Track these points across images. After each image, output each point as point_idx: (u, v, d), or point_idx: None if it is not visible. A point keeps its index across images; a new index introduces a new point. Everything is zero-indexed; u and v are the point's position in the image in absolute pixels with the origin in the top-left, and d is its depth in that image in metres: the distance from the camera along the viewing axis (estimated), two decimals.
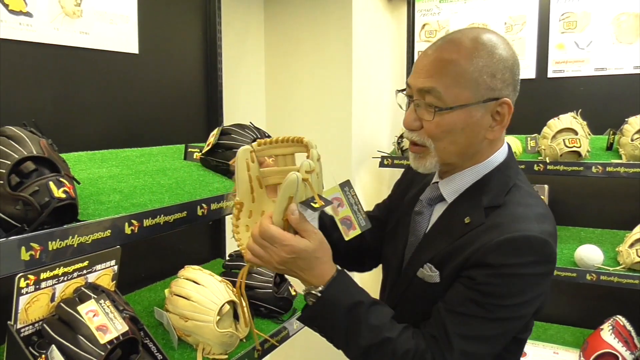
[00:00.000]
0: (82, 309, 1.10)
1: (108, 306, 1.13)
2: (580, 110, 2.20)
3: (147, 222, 1.05)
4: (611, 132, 2.20)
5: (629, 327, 2.22)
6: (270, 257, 0.97)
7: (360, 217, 1.07)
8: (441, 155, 1.05)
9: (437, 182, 1.13)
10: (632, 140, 2.02)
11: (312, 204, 0.96)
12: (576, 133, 2.10)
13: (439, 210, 1.12)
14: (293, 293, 1.65)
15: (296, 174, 0.93)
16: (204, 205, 1.20)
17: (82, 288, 1.18)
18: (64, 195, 0.89)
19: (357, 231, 1.07)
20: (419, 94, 1.03)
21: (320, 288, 1.00)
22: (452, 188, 1.10)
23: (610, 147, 2.20)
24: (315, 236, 0.98)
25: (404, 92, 1.09)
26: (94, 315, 1.11)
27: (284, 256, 0.96)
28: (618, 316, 2.26)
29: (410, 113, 1.05)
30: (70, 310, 1.10)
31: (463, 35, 1.03)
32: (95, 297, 1.14)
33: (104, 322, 1.10)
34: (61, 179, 0.91)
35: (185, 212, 1.15)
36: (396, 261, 1.18)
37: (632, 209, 2.35)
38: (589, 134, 2.15)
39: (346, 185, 1.09)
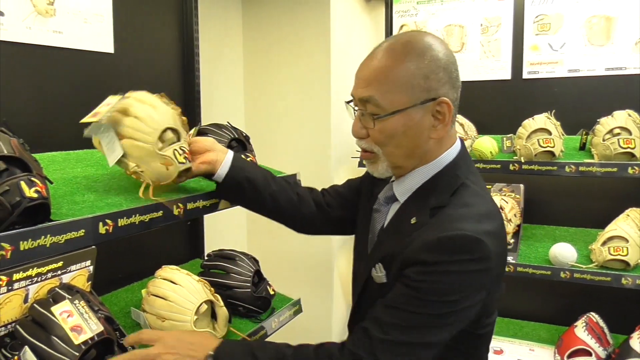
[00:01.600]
0: (56, 309, 1.09)
1: (83, 306, 1.12)
2: (554, 110, 2.24)
3: (122, 222, 1.04)
4: (584, 132, 2.24)
5: (601, 323, 2.27)
6: None
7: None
8: (389, 159, 1.09)
9: (391, 182, 1.17)
10: (603, 140, 2.06)
11: None
12: (550, 133, 2.14)
13: (393, 209, 1.15)
14: (272, 292, 1.65)
15: None
16: (180, 205, 1.19)
17: (57, 289, 1.16)
18: (35, 195, 0.88)
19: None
20: (360, 104, 1.08)
21: (210, 353, 1.03)
22: (403, 188, 1.13)
23: (583, 147, 2.25)
24: (163, 334, 1.08)
25: (351, 103, 1.13)
26: (68, 316, 1.10)
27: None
28: (591, 313, 2.31)
29: (355, 122, 1.10)
30: (43, 311, 1.08)
31: (396, 41, 1.07)
32: (70, 297, 1.13)
33: (78, 322, 1.08)
34: (33, 179, 0.90)
35: (162, 211, 1.14)
36: (360, 256, 1.23)
37: (605, 208, 2.40)
38: (563, 134, 2.19)
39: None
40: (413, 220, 1.05)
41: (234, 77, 2.50)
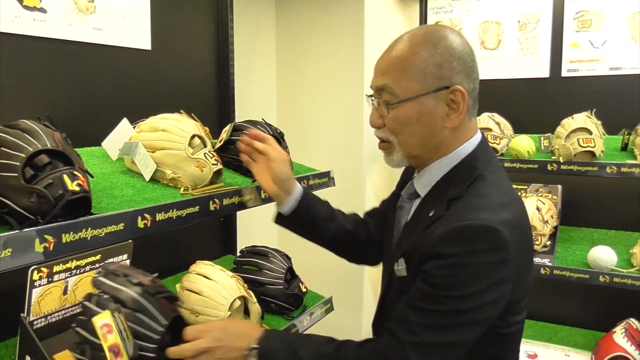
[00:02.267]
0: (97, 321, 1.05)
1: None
2: (594, 109, 2.17)
3: (159, 216, 1.05)
4: (626, 132, 2.17)
5: None
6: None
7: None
8: (404, 148, 1.10)
9: (413, 178, 1.18)
10: None
11: None
12: (590, 133, 2.08)
13: (415, 204, 1.16)
14: (304, 290, 1.65)
15: None
16: (216, 200, 1.20)
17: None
18: (77, 189, 0.89)
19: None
20: (376, 93, 1.11)
21: (254, 345, 1.06)
22: (423, 182, 1.14)
23: (625, 147, 2.17)
24: (207, 327, 1.09)
25: (370, 95, 1.15)
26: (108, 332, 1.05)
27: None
28: (631, 319, 2.23)
29: (373, 112, 1.13)
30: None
31: (412, 33, 1.10)
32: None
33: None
34: (75, 172, 0.91)
35: (198, 206, 1.15)
36: (387, 257, 1.24)
37: None
38: (604, 134, 2.12)
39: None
40: (431, 214, 1.05)
41: (267, 74, 2.51)
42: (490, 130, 2.28)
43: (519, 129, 2.47)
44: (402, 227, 1.18)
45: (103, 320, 1.00)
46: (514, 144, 2.22)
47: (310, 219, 1.33)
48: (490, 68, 2.63)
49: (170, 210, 1.07)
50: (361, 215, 1.48)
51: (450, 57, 1.04)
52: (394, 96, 1.06)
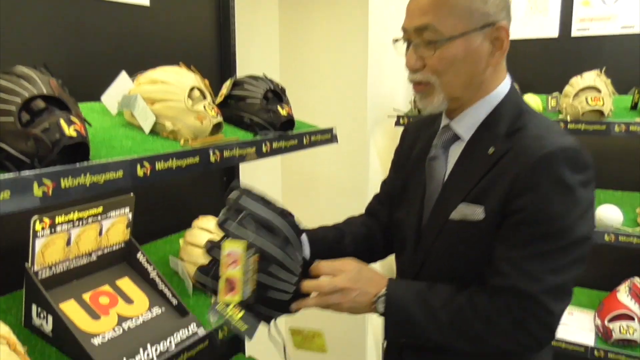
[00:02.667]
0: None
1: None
2: (605, 67, 2.13)
3: (159, 165, 1.04)
4: (636, 90, 2.13)
5: None
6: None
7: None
8: (447, 89, 1.06)
9: (447, 125, 1.13)
10: None
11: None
12: (599, 91, 2.04)
13: (455, 150, 1.12)
14: None
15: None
16: (216, 151, 1.19)
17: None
18: (75, 134, 0.89)
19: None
20: (416, 34, 1.05)
21: (381, 307, 1.04)
22: (466, 124, 1.10)
23: (635, 106, 2.14)
24: (343, 266, 1.08)
25: (401, 39, 1.10)
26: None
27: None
28: (635, 278, 2.24)
29: (410, 55, 1.07)
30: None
31: None
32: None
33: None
34: (72, 118, 0.91)
35: (198, 157, 1.14)
36: (413, 218, 1.17)
37: None
38: (614, 93, 2.08)
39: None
40: (490, 151, 1.03)
41: (269, 29, 2.46)
42: None
43: (525, 89, 2.43)
44: (442, 177, 1.12)
45: (233, 249, 0.96)
46: None
47: (326, 251, 1.21)
48: None
49: (170, 160, 1.07)
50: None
51: None
52: (439, 35, 1.01)
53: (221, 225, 1.01)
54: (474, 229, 1.03)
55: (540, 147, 0.97)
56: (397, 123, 2.48)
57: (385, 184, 1.39)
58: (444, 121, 1.15)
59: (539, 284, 0.95)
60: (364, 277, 1.06)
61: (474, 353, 1.05)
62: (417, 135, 1.27)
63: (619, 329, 2.06)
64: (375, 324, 2.71)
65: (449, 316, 0.99)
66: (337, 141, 1.70)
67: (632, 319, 2.07)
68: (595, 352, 2.10)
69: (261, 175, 2.44)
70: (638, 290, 2.16)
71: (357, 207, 1.40)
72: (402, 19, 1.09)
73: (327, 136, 1.65)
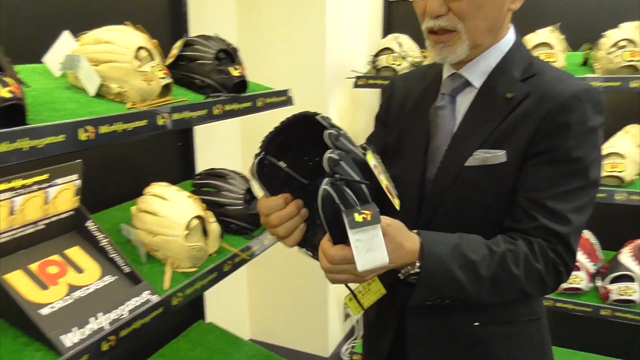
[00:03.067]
0: None
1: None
2: (559, 24, 2.14)
3: (103, 129, 1.00)
4: (588, 47, 2.16)
5: (592, 240, 2.30)
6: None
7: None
8: (473, 35, 1.02)
9: (454, 73, 1.10)
10: (607, 54, 1.99)
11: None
12: (552, 48, 2.06)
13: (465, 99, 1.09)
14: None
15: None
16: (165, 114, 1.15)
17: None
18: (9, 95, 0.84)
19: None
20: None
21: (417, 265, 0.93)
22: (478, 71, 1.07)
23: (585, 62, 2.17)
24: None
25: None
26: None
27: None
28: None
29: (433, 0, 1.00)
30: None
31: None
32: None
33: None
34: (5, 79, 0.85)
35: (146, 120, 1.10)
36: (415, 173, 1.11)
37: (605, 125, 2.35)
38: (568, 49, 2.10)
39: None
40: (509, 95, 1.02)
41: None
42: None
43: None
44: (452, 126, 1.08)
45: (377, 160, 0.90)
46: None
47: None
48: None
49: (115, 123, 1.02)
50: None
51: None
52: None
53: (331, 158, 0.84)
54: (495, 172, 1.01)
55: (565, 90, 0.98)
56: (356, 84, 2.46)
57: (370, 141, 1.29)
58: (449, 71, 1.11)
59: (566, 224, 0.96)
60: (395, 229, 0.91)
61: (481, 306, 1.05)
62: (407, 89, 1.22)
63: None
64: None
65: (490, 270, 0.95)
66: (293, 103, 1.67)
67: (579, 269, 2.14)
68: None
69: (220, 139, 2.39)
70: (585, 241, 2.22)
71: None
72: None
73: (283, 98, 1.63)
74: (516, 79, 1.03)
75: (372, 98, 2.93)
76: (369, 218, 0.80)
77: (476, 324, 1.07)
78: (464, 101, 1.09)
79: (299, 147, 0.96)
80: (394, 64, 2.34)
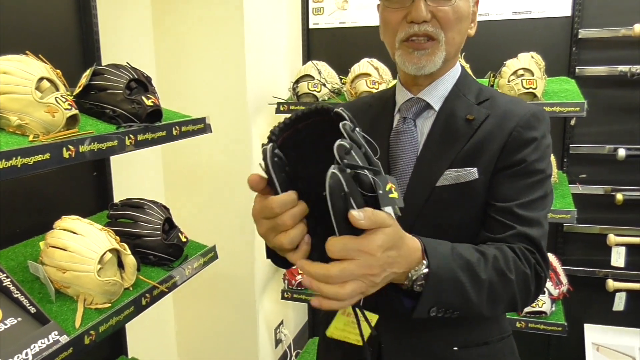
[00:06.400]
0: None
1: None
2: (464, 53, 2.28)
3: (1, 165, 0.96)
4: (492, 74, 2.31)
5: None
6: (365, 270, 0.74)
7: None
8: (449, 47, 1.06)
9: (412, 98, 1.12)
10: (508, 81, 2.14)
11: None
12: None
13: (425, 122, 1.12)
14: (184, 239, 1.62)
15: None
16: (70, 147, 1.12)
17: None
18: None
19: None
20: None
21: (424, 263, 0.84)
22: (436, 95, 1.12)
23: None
24: (389, 219, 0.76)
25: None
26: None
27: (379, 257, 0.74)
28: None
29: (421, 5, 1.02)
30: None
31: None
32: None
33: None
34: None
35: (49, 153, 1.06)
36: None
37: None
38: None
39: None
40: (470, 117, 1.07)
41: (142, 16, 2.35)
42: (369, 75, 2.33)
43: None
44: (416, 149, 1.09)
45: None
46: None
47: None
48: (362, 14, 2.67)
49: (14, 158, 0.98)
50: None
51: None
52: None
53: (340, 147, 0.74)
54: (468, 189, 1.05)
55: (524, 110, 1.07)
56: (278, 110, 2.48)
57: None
58: (404, 95, 1.14)
59: (539, 229, 1.02)
60: (404, 238, 0.81)
61: (458, 327, 1.06)
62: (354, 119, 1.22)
63: None
64: (266, 308, 2.73)
65: (487, 273, 0.91)
66: (211, 131, 1.67)
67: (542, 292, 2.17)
68: None
69: (139, 168, 2.33)
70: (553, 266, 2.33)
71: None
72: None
73: (200, 126, 1.62)
74: (472, 103, 1.10)
75: None
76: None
77: (455, 348, 1.07)
78: (425, 124, 1.12)
79: (302, 149, 0.83)
80: (314, 90, 2.39)
